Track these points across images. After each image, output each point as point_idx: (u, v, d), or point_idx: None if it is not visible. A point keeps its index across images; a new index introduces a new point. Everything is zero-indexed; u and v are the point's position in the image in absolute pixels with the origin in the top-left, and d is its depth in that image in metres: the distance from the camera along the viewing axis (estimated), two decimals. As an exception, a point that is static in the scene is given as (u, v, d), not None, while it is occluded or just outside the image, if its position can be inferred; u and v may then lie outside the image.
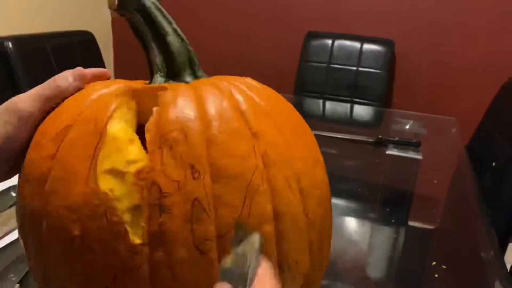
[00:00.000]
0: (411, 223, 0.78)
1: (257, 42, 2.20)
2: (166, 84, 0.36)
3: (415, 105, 1.97)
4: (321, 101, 1.74)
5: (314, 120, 1.37)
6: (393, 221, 0.76)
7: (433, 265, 0.62)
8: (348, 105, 1.70)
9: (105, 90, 0.34)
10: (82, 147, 0.30)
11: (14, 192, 0.71)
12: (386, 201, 0.87)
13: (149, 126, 0.31)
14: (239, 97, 0.34)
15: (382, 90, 1.84)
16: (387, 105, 1.97)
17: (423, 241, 0.72)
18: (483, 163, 1.11)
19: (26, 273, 0.54)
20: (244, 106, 0.33)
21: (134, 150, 0.30)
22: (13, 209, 0.67)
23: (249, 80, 0.39)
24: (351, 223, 0.73)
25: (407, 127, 1.33)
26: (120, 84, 0.35)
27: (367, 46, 1.86)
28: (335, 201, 0.73)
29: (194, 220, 0.29)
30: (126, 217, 0.28)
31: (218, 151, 0.30)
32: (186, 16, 2.23)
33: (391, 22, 1.97)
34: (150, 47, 0.38)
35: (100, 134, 0.30)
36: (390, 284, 0.60)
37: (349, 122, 1.46)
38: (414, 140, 1.10)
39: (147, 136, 0.30)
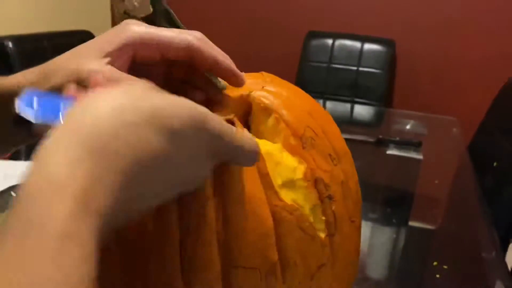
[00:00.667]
0: (412, 223, 0.77)
1: (257, 42, 2.20)
2: (240, 91, 0.36)
3: (416, 105, 1.97)
4: (321, 101, 1.74)
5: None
6: (394, 221, 0.76)
7: (434, 265, 0.61)
8: (349, 105, 1.70)
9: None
10: (246, 173, 0.29)
11: (15, 193, 0.71)
12: (387, 201, 0.87)
13: (284, 131, 0.32)
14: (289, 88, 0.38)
15: (383, 90, 1.84)
16: (388, 105, 1.97)
17: (424, 242, 0.72)
18: (484, 163, 1.10)
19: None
20: (303, 96, 0.37)
21: (288, 158, 0.31)
22: (13, 209, 0.67)
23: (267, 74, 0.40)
24: (352, 223, 0.73)
25: (408, 127, 1.33)
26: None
27: (367, 46, 1.86)
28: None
29: (345, 198, 0.33)
30: (311, 219, 0.31)
31: (332, 136, 0.35)
32: (186, 15, 2.23)
33: (392, 21, 1.96)
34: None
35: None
36: (391, 284, 0.60)
37: (350, 122, 1.45)
38: (415, 140, 1.09)
39: (291, 141, 0.32)
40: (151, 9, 0.33)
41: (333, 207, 0.32)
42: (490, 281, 0.62)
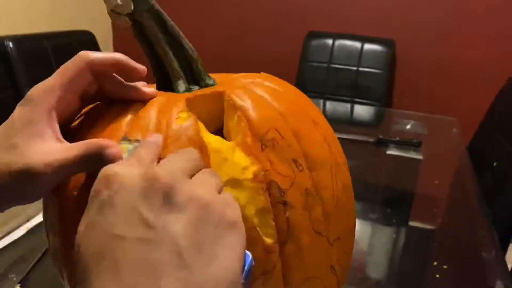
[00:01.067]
0: (411, 223, 0.78)
1: (257, 42, 2.20)
2: (217, 88, 0.35)
3: (416, 105, 1.97)
4: (321, 101, 1.74)
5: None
6: (393, 221, 0.76)
7: (434, 265, 0.62)
8: (349, 105, 1.70)
9: (159, 105, 0.33)
10: None
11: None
12: (386, 201, 0.87)
13: (243, 131, 0.31)
14: (285, 91, 0.37)
15: (383, 90, 1.84)
16: (388, 105, 1.97)
17: (424, 241, 0.72)
18: (484, 163, 1.11)
19: (27, 273, 0.54)
20: (294, 98, 0.37)
21: (240, 157, 0.30)
22: (14, 209, 0.67)
23: (266, 76, 0.40)
24: (352, 223, 0.73)
25: (408, 127, 1.33)
26: (165, 97, 0.34)
27: (367, 46, 1.86)
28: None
29: (309, 207, 0.31)
30: (255, 221, 0.29)
31: (306, 142, 0.33)
32: (185, 16, 2.23)
33: (392, 22, 1.97)
34: (164, 53, 0.36)
35: (200, 148, 0.30)
36: (391, 284, 0.60)
37: (350, 122, 1.46)
38: (414, 140, 1.09)
39: (247, 141, 0.31)
40: (132, 7, 0.34)
41: (287, 214, 0.30)
42: (490, 281, 0.62)
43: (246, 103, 0.33)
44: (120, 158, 0.27)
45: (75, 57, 0.31)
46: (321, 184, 0.33)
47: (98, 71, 0.32)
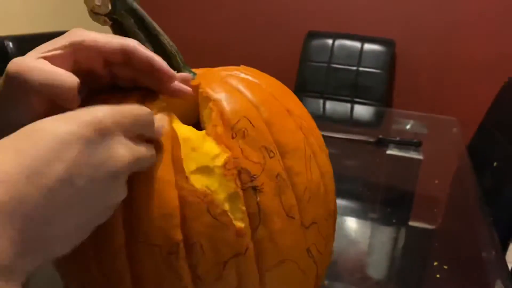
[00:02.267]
0: (412, 223, 0.78)
1: (257, 42, 2.20)
2: (193, 82, 0.37)
3: (416, 105, 1.97)
4: (321, 101, 1.74)
5: (315, 120, 1.36)
6: (394, 221, 0.76)
7: (435, 265, 0.62)
8: (349, 105, 1.70)
9: (136, 97, 0.34)
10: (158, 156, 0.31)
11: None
12: (386, 201, 0.87)
13: (214, 120, 0.33)
14: (261, 82, 0.39)
15: (383, 90, 1.84)
16: (388, 105, 1.97)
17: (424, 241, 0.72)
18: (484, 163, 1.11)
19: (27, 273, 0.54)
20: (270, 89, 0.38)
21: (210, 145, 0.32)
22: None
23: (244, 68, 0.42)
24: (352, 223, 0.73)
25: (408, 127, 1.33)
26: (142, 89, 0.36)
27: (367, 46, 1.86)
28: (336, 201, 0.72)
29: (280, 192, 0.33)
30: (226, 206, 0.31)
31: (278, 130, 0.35)
32: (185, 15, 2.23)
33: (392, 21, 1.97)
34: None
35: (171, 138, 0.31)
36: (391, 284, 0.60)
37: (350, 122, 1.45)
38: (414, 140, 1.09)
39: (218, 130, 0.33)
40: (109, 7, 0.35)
41: (258, 199, 0.32)
42: (490, 281, 0.62)
43: (219, 94, 0.34)
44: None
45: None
46: (294, 170, 0.34)
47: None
